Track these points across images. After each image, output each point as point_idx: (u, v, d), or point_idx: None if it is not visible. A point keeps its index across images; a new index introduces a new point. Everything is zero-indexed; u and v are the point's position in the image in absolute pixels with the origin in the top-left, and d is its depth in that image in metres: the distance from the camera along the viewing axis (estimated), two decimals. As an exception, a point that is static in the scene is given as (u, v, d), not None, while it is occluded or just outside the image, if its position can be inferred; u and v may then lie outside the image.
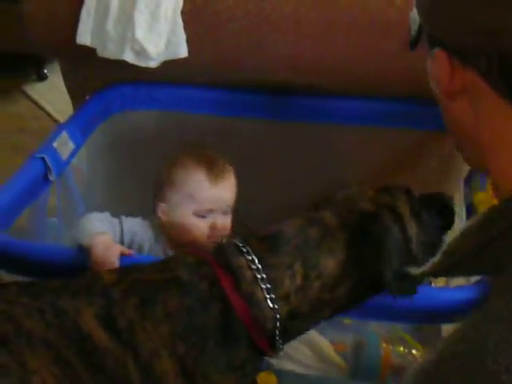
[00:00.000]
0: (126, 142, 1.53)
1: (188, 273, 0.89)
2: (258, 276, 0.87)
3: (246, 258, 0.89)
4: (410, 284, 0.89)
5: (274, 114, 1.49)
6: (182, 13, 1.34)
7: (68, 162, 1.32)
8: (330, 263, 0.89)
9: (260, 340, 0.88)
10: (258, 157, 1.50)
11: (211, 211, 1.16)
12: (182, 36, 1.35)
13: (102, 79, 1.49)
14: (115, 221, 1.18)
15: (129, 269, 0.93)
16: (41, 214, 1.28)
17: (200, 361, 0.86)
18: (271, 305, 0.87)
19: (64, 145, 1.31)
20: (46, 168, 1.25)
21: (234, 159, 1.22)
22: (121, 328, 0.84)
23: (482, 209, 1.05)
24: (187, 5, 1.34)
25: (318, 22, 1.31)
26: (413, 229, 0.94)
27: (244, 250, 0.90)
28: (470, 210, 1.13)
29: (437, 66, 0.70)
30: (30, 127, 2.68)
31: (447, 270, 0.74)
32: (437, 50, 0.69)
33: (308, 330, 0.95)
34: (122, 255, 1.04)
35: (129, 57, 1.34)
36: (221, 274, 0.88)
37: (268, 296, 0.87)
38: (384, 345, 1.42)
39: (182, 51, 1.35)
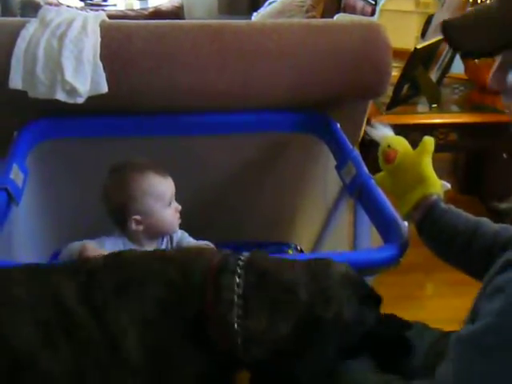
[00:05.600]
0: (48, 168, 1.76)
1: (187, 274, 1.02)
2: (235, 300, 0.98)
3: (234, 279, 1.00)
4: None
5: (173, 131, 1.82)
6: (101, 56, 1.62)
7: (23, 189, 1.53)
8: (283, 330, 0.99)
9: (224, 346, 1.00)
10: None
11: (171, 199, 1.44)
12: (102, 75, 1.63)
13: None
14: None
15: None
16: (8, 238, 1.49)
17: (167, 358, 0.98)
18: (236, 326, 0.98)
19: (17, 175, 1.52)
20: (9, 197, 1.46)
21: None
22: (95, 305, 1.00)
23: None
24: (104, 50, 1.62)
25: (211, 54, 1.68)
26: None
27: (239, 270, 1.01)
28: (352, 188, 1.56)
29: None
30: None
31: None
32: None
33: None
34: None
35: (61, 96, 1.59)
36: (209, 287, 1.00)
37: (236, 320, 0.98)
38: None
39: (103, 87, 1.63)
